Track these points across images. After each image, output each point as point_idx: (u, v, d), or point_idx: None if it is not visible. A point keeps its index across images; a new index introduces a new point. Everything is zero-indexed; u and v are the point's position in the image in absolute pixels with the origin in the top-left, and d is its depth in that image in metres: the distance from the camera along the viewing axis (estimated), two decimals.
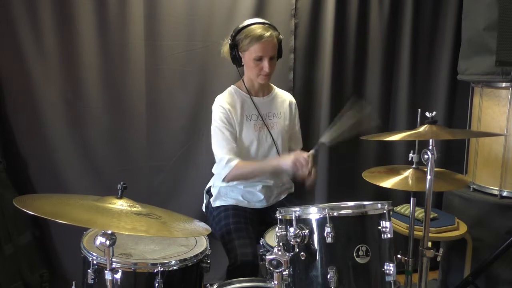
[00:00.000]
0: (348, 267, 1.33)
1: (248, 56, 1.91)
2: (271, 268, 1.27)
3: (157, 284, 1.45)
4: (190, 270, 1.58)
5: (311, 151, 1.86)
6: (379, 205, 1.39)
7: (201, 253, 1.61)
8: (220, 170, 1.93)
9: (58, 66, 2.29)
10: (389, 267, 1.34)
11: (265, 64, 1.89)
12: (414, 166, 1.82)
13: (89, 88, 2.35)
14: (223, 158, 1.89)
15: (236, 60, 1.96)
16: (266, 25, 1.91)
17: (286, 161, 1.83)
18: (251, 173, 1.96)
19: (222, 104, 1.96)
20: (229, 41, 1.95)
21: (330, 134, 1.92)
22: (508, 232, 2.24)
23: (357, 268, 1.33)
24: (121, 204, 1.35)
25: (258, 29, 1.87)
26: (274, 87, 2.14)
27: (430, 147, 1.58)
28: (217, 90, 2.09)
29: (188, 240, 1.71)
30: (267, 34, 1.87)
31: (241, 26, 1.91)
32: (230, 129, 1.93)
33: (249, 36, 1.87)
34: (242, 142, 1.98)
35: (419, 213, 2.07)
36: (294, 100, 2.18)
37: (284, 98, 2.14)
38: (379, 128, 2.78)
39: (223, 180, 1.94)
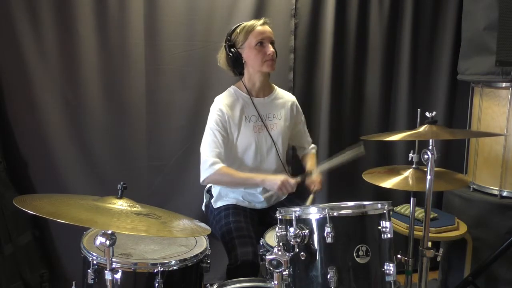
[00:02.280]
0: (348, 267, 1.34)
1: (248, 46, 1.93)
2: (271, 268, 1.27)
3: (157, 284, 1.45)
4: (190, 270, 1.58)
5: (298, 178, 1.90)
6: (379, 205, 1.39)
7: (201, 253, 1.61)
8: (202, 170, 1.90)
9: (58, 66, 2.29)
10: (389, 267, 1.35)
11: (267, 46, 1.92)
12: (414, 166, 1.82)
13: (89, 88, 2.35)
14: (208, 160, 1.87)
15: (236, 60, 1.95)
16: None
17: (273, 182, 1.83)
18: (232, 183, 1.95)
19: (221, 106, 1.95)
20: (225, 44, 1.97)
21: (322, 167, 1.98)
22: (508, 232, 2.25)
23: (357, 268, 1.34)
24: (121, 204, 1.35)
25: (250, 22, 1.96)
26: (276, 87, 2.13)
27: (430, 147, 1.58)
28: (217, 90, 2.09)
29: (188, 240, 1.71)
30: (260, 21, 1.95)
31: (232, 28, 1.98)
32: (223, 133, 1.92)
33: (243, 29, 1.94)
34: (241, 143, 1.97)
35: (419, 213, 2.07)
36: (296, 101, 2.17)
37: (286, 99, 2.13)
38: (379, 128, 2.80)
39: (202, 182, 1.92)
